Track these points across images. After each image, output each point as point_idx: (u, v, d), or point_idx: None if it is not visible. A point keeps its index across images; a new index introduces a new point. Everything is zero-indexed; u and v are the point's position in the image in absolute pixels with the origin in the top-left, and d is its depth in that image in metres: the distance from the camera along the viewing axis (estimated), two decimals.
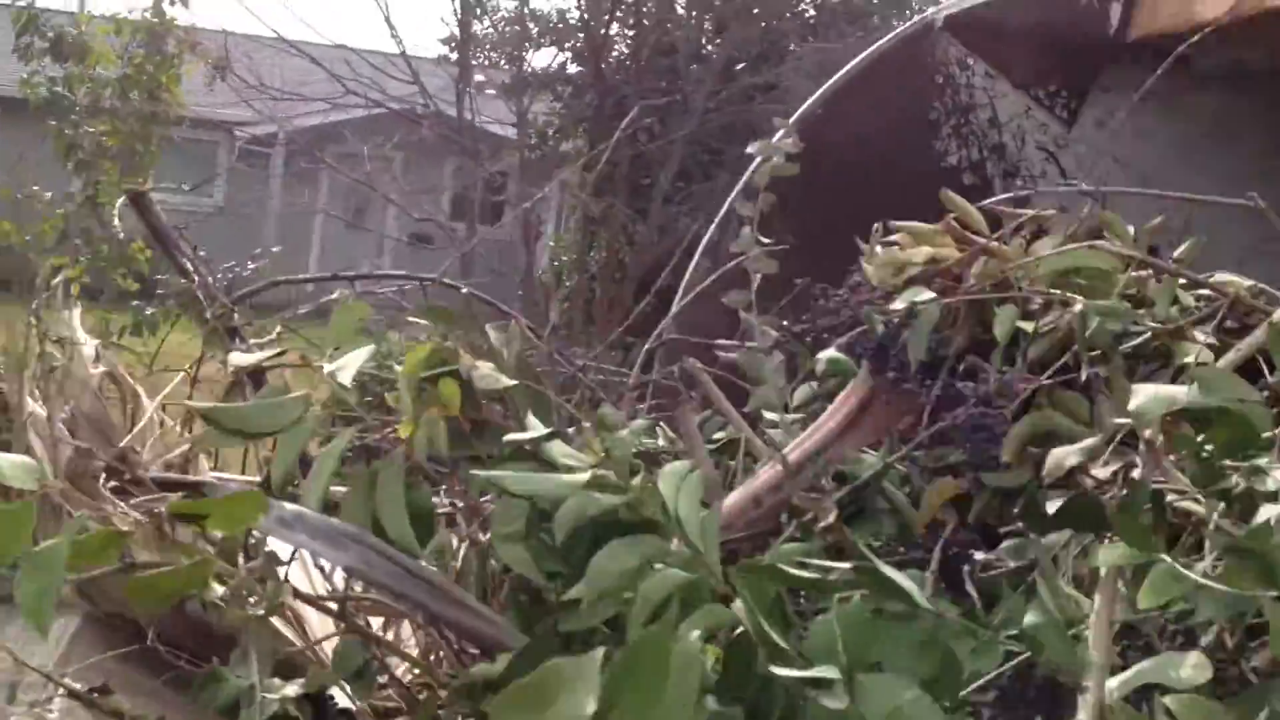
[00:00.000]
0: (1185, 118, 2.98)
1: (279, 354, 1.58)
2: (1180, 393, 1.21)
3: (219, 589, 1.37)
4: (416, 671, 1.47)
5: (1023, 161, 2.96)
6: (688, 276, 2.82)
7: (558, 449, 1.36)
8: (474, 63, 12.70)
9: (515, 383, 1.51)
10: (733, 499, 1.58)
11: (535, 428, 1.40)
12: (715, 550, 1.22)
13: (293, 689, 1.26)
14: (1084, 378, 1.49)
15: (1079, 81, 2.98)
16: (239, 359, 1.59)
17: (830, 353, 1.79)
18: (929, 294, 1.65)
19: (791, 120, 2.90)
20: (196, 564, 1.30)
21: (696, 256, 2.90)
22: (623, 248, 11.64)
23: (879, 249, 1.82)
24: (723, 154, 10.84)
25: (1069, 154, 2.97)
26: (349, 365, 1.50)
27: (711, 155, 11.25)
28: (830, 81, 2.90)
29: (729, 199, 2.87)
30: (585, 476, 1.30)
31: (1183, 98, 2.98)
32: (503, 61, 13.40)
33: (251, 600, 1.35)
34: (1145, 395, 1.21)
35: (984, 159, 2.95)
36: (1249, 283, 1.61)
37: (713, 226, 2.91)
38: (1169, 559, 1.05)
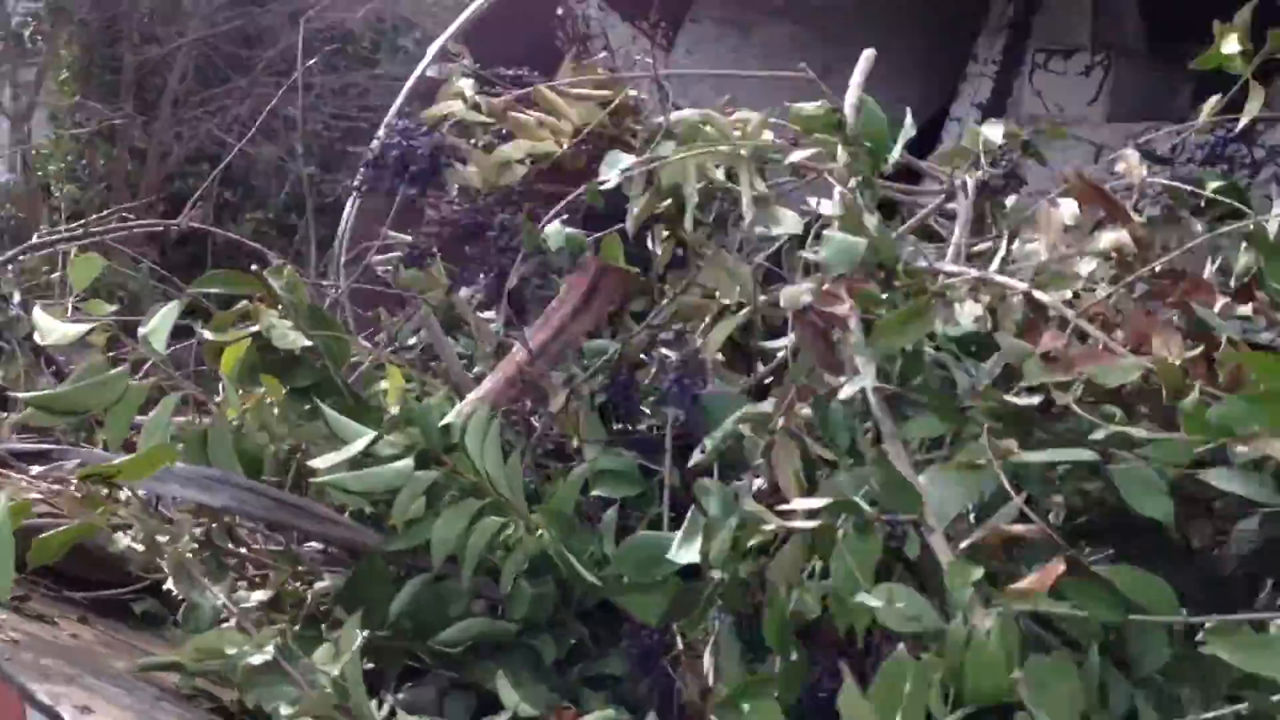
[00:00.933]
0: (759, 44, 3.51)
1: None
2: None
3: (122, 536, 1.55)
4: None
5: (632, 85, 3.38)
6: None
7: (381, 446, 1.58)
8: None
9: (310, 344, 1.72)
10: (489, 385, 1.88)
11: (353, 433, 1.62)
12: (520, 494, 1.54)
13: (260, 595, 1.48)
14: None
15: (674, 13, 3.43)
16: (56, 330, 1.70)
17: (556, 227, 1.96)
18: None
19: (430, 54, 3.16)
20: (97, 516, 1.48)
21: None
22: (111, 153, 11.10)
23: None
24: (240, 57, 10.58)
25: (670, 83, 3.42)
26: (159, 331, 1.67)
27: (226, 59, 10.90)
28: (466, 13, 3.17)
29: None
30: (410, 463, 1.55)
31: (758, 27, 3.52)
32: None
33: (164, 540, 1.54)
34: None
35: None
36: None
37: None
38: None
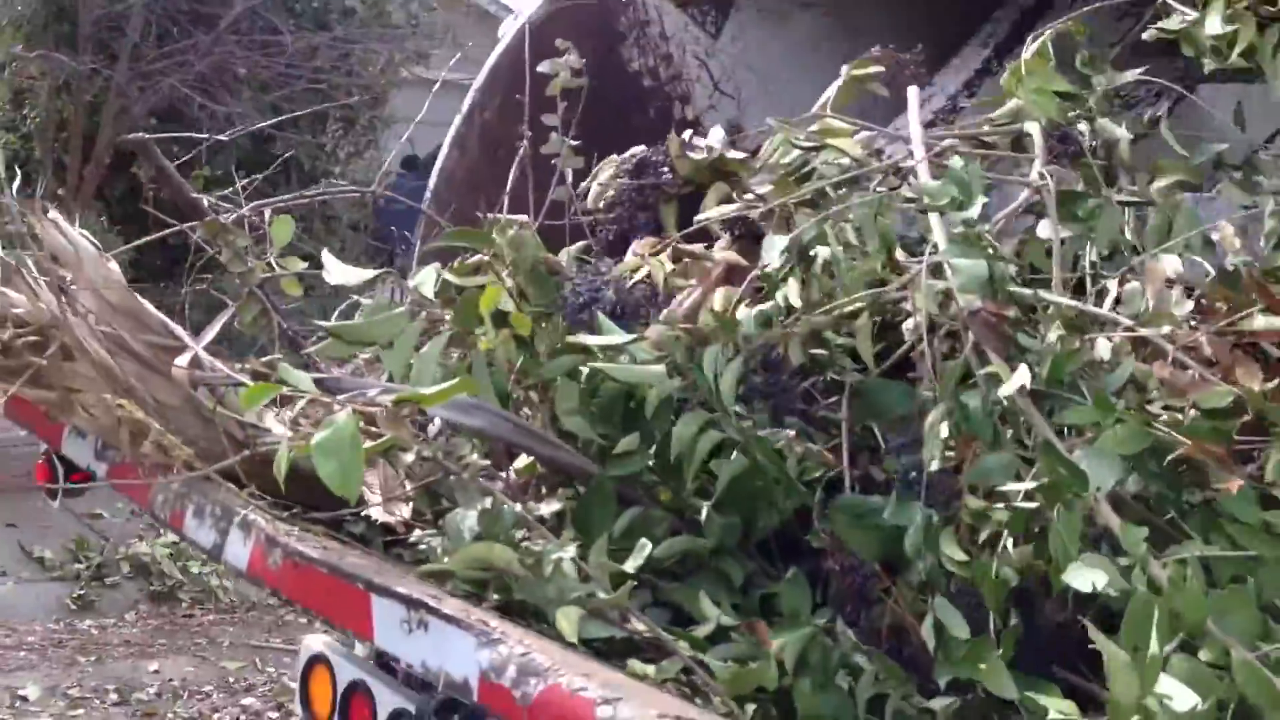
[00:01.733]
0: (793, 31, 3.83)
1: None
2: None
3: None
4: None
5: (684, 68, 3.69)
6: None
7: (636, 349, 1.92)
8: None
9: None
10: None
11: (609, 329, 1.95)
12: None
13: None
14: None
15: (724, 2, 3.74)
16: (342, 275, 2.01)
17: None
18: None
19: (512, 32, 3.45)
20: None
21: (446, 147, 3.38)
22: (65, 106, 11.09)
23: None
24: (200, 13, 10.62)
25: (715, 62, 3.73)
26: (427, 281, 1.98)
27: (188, 15, 10.93)
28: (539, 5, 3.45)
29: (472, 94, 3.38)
30: (662, 369, 1.89)
31: (790, 16, 3.84)
32: None
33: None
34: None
35: (656, 65, 3.65)
36: None
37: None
38: None
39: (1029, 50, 2.32)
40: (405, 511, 2.10)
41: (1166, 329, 1.81)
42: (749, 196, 2.46)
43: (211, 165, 10.32)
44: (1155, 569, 1.54)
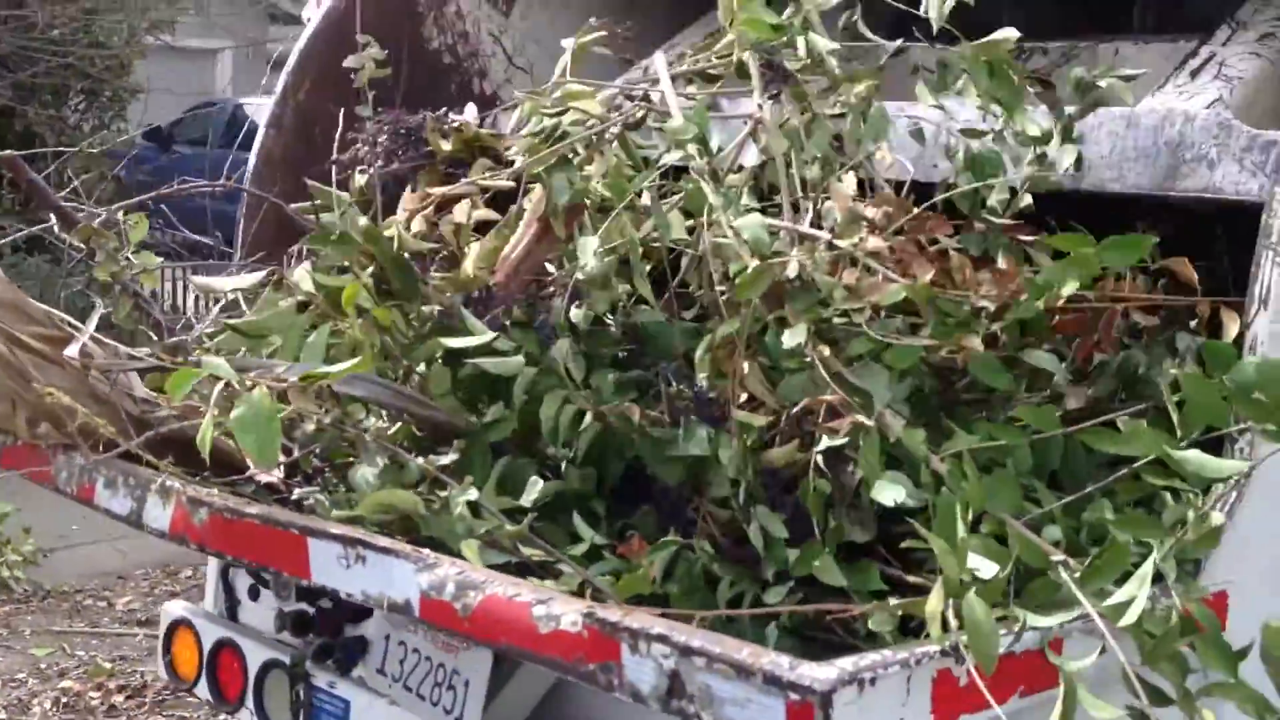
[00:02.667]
0: (573, 7, 4.11)
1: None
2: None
3: None
4: None
5: (480, 45, 3.93)
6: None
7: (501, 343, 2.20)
8: None
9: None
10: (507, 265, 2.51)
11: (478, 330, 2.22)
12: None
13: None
14: None
15: None
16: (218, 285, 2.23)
17: None
18: None
19: (318, 16, 3.62)
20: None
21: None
22: None
23: None
24: None
25: (508, 38, 3.99)
26: (303, 279, 2.22)
27: None
28: None
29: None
30: (521, 360, 2.19)
31: None
32: None
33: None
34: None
35: (455, 43, 3.88)
36: None
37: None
38: None
39: None
40: (279, 474, 2.33)
41: (856, 239, 2.03)
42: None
43: None
44: (935, 463, 1.91)
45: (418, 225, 2.69)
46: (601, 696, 2.58)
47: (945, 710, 1.49)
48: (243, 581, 3.25)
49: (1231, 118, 2.26)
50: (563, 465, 2.18)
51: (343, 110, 3.20)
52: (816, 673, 1.37)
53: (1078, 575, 1.57)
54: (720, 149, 2.29)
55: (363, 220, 2.44)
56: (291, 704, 2.86)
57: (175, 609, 3.24)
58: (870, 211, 2.16)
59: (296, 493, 2.23)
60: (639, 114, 2.60)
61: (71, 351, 2.23)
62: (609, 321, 2.42)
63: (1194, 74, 2.59)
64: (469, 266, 2.51)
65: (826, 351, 1.95)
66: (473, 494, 1.94)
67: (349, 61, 3.20)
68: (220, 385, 1.89)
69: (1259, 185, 2.15)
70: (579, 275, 2.29)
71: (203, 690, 3.12)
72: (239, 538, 1.97)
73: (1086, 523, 1.86)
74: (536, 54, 4.10)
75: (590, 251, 2.23)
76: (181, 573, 6.73)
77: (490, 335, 2.13)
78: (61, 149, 9.90)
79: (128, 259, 2.55)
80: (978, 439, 1.92)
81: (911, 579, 1.86)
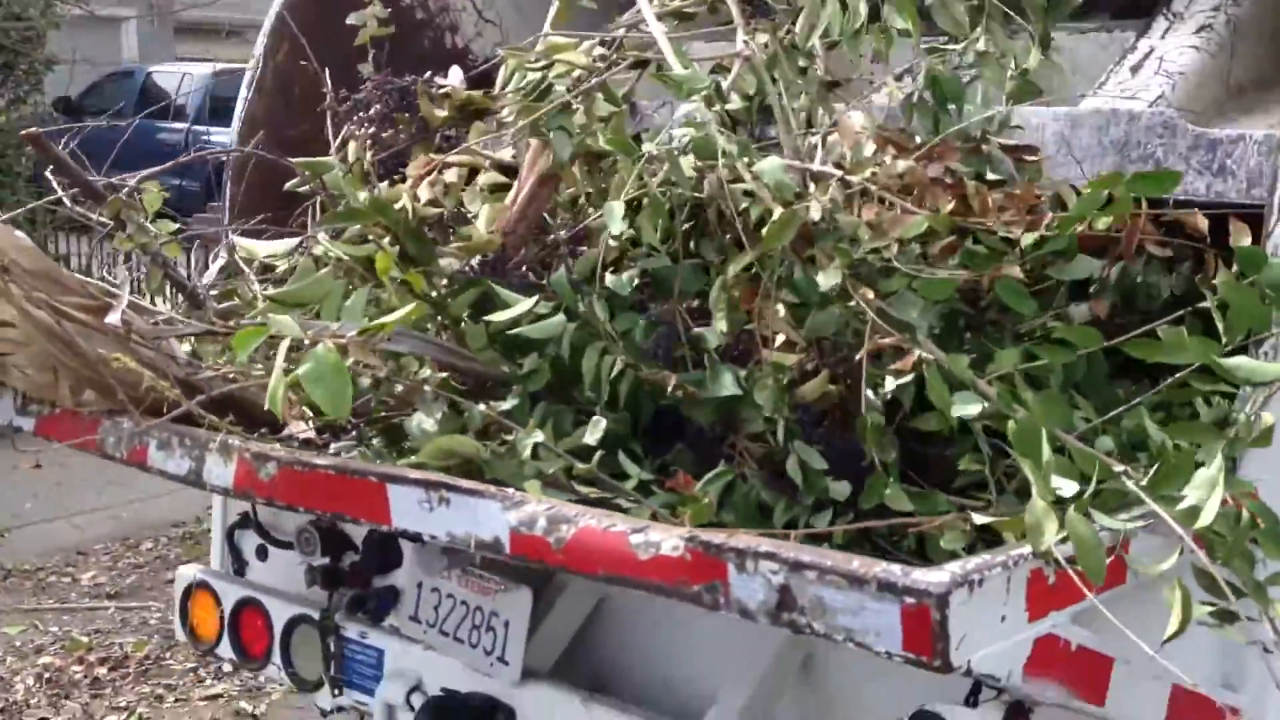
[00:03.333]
0: None
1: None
2: None
3: None
4: None
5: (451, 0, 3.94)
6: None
7: (541, 308, 2.22)
8: None
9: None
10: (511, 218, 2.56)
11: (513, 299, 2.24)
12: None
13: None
14: None
15: None
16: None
17: None
18: None
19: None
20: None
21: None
22: None
23: None
24: None
25: None
26: (335, 249, 2.25)
27: None
28: None
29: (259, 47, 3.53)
30: (562, 319, 2.20)
31: None
32: None
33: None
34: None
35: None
36: None
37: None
38: None
39: None
40: (311, 427, 2.36)
41: (869, 172, 2.09)
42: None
43: None
44: (983, 386, 2.02)
45: (425, 193, 2.70)
46: (634, 624, 2.69)
47: (1038, 607, 1.59)
48: (249, 543, 3.27)
49: (1176, 116, 2.33)
50: (597, 409, 2.24)
51: (326, 71, 3.20)
52: (930, 576, 1.45)
53: (1144, 483, 1.66)
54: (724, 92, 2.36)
55: (362, 194, 2.48)
56: (323, 657, 2.91)
57: (191, 572, 3.26)
58: (878, 144, 2.24)
59: (332, 447, 2.27)
60: (630, 61, 2.66)
61: (113, 318, 2.24)
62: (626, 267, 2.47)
63: (1134, 69, 2.60)
64: (481, 229, 2.55)
65: (866, 292, 2.01)
66: (539, 436, 1.99)
67: (351, 19, 3.20)
68: (285, 344, 1.92)
69: (1205, 185, 2.24)
70: (609, 241, 2.30)
71: (225, 650, 3.15)
72: (312, 489, 2.01)
73: (1126, 430, 1.97)
74: (504, 6, 4.12)
75: (618, 218, 2.23)
76: (142, 544, 6.71)
77: (529, 302, 2.17)
78: None
79: (149, 228, 2.56)
80: (1015, 359, 2.02)
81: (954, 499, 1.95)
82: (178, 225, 2.61)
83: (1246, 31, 2.64)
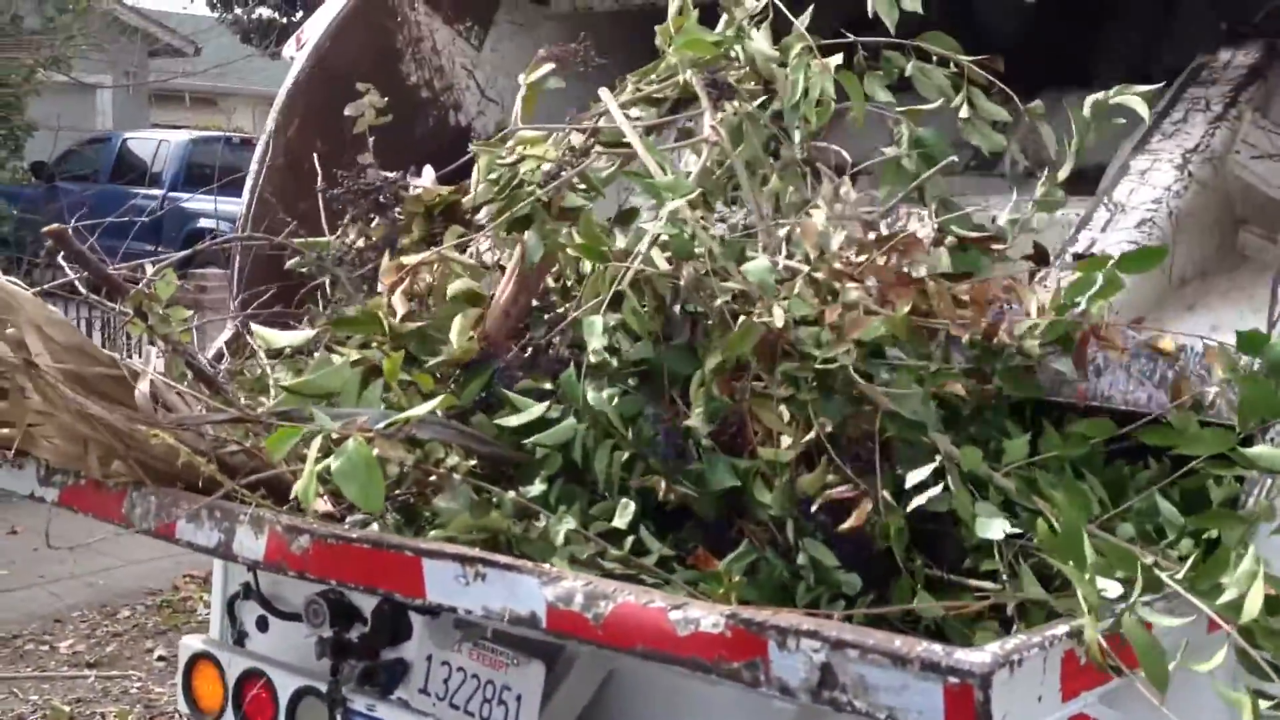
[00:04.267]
0: (539, 39, 4.23)
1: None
2: None
3: None
4: None
5: (455, 79, 4.02)
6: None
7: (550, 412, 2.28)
8: None
9: None
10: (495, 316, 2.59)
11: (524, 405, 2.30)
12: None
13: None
14: None
15: (483, 17, 4.10)
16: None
17: None
18: None
19: (302, 57, 3.67)
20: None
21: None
22: None
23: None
24: None
25: (481, 72, 4.09)
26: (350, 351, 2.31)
27: None
28: (327, 22, 3.69)
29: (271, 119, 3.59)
30: (572, 422, 2.26)
31: (538, 25, 4.24)
32: None
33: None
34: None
35: (431, 78, 3.97)
36: None
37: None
38: None
39: (672, 7, 2.65)
40: (328, 503, 2.39)
41: (835, 266, 2.11)
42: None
43: None
44: (999, 479, 2.05)
45: (400, 304, 2.65)
46: (644, 696, 2.71)
47: (1071, 686, 1.63)
48: (250, 613, 3.28)
49: (1115, 320, 2.21)
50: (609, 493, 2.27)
51: (317, 158, 3.26)
52: (973, 657, 1.50)
53: (1180, 576, 1.72)
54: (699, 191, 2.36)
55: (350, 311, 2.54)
56: None
57: (194, 643, 3.25)
58: (841, 240, 2.25)
59: (348, 520, 2.30)
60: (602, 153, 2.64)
61: (142, 391, 2.28)
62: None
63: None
64: (455, 341, 2.51)
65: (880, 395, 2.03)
66: (570, 523, 2.04)
67: (348, 110, 3.26)
68: (316, 441, 1.96)
69: (1147, 396, 2.15)
70: (590, 358, 2.27)
71: None
72: (346, 562, 2.03)
73: (1137, 512, 2.03)
74: (506, 86, 4.21)
75: (598, 333, 2.22)
76: (119, 612, 6.65)
77: (541, 408, 2.23)
78: None
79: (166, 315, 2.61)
80: (1024, 451, 2.07)
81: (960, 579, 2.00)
82: (192, 313, 2.65)
83: (1188, 224, 2.60)
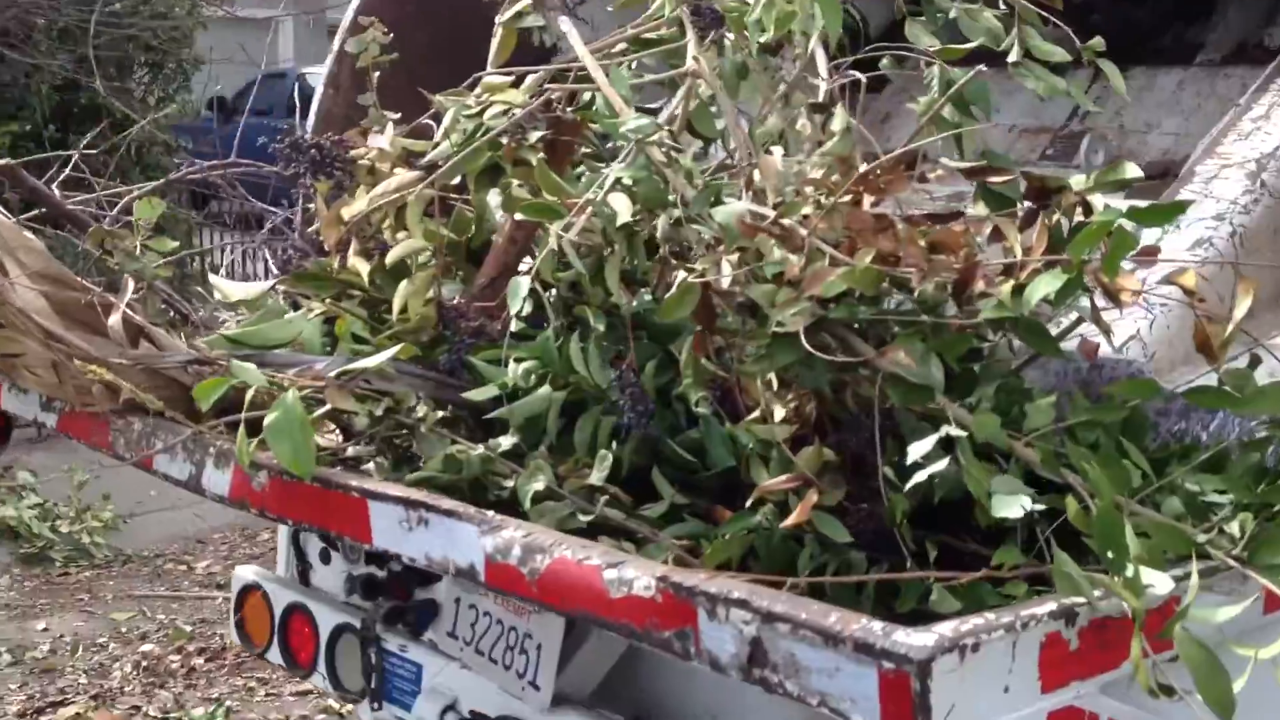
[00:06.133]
0: None
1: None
2: None
3: None
4: None
5: None
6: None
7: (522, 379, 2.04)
8: None
9: None
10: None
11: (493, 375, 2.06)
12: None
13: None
14: None
15: None
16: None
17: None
18: None
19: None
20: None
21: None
22: None
23: None
24: None
25: None
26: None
27: None
28: None
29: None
30: (548, 390, 1.99)
31: None
32: None
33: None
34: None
35: None
36: None
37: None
38: None
39: None
40: (338, 436, 2.24)
41: (801, 214, 1.77)
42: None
43: (19, 120, 9.95)
44: (1021, 450, 1.68)
45: (362, 266, 2.35)
46: (676, 663, 2.50)
47: (1054, 676, 1.37)
48: (314, 545, 3.20)
49: (1145, 366, 1.89)
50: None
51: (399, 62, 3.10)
52: (913, 639, 1.26)
53: (1236, 552, 1.45)
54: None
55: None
56: (363, 668, 2.81)
57: (246, 574, 3.20)
58: (813, 179, 1.87)
59: (351, 450, 2.15)
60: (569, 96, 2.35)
61: (114, 323, 2.17)
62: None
63: None
64: (413, 312, 2.21)
65: (893, 354, 1.71)
66: (540, 483, 1.83)
67: (349, 46, 3.06)
68: (249, 396, 1.82)
69: None
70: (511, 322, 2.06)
71: (275, 655, 3.08)
72: (299, 501, 1.90)
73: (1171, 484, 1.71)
74: (596, 5, 3.99)
75: (520, 296, 1.97)
76: (260, 535, 6.77)
77: (502, 377, 2.01)
78: (126, 121, 9.98)
79: (145, 247, 2.48)
80: (1049, 415, 1.75)
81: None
82: (175, 245, 2.52)
83: (1256, 243, 2.11)
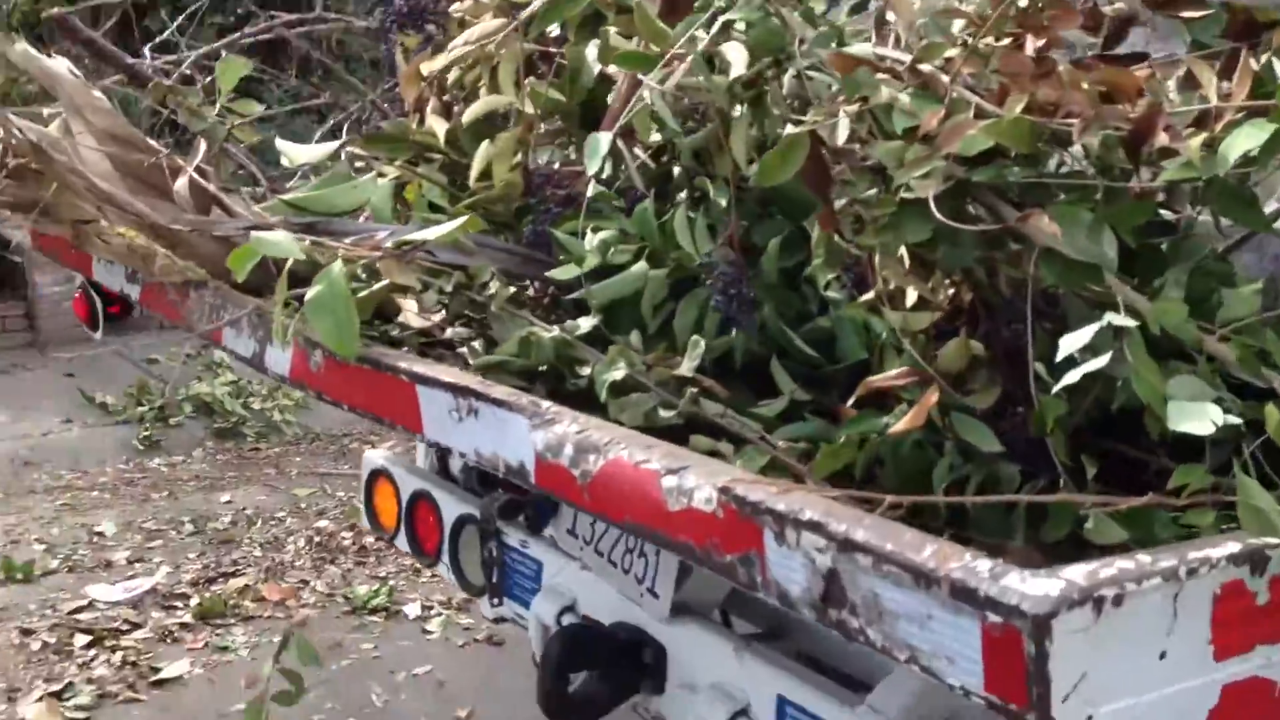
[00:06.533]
0: None
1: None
2: None
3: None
4: None
5: None
6: None
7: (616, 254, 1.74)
8: None
9: None
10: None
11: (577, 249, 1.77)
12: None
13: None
14: None
15: None
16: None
17: None
18: None
19: None
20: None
21: None
22: None
23: None
24: None
25: None
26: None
27: None
28: None
29: None
30: (645, 265, 1.71)
31: None
32: None
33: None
34: None
35: None
36: None
37: None
38: None
39: None
40: (436, 317, 2.00)
41: (940, 60, 1.44)
42: None
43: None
44: (1212, 345, 1.33)
45: (439, 127, 2.08)
46: None
47: (1233, 639, 1.02)
48: None
49: None
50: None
51: None
52: (1028, 585, 0.93)
53: None
54: None
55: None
56: (484, 562, 2.62)
57: (375, 458, 3.05)
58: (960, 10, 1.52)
59: (449, 332, 1.91)
60: None
61: (179, 187, 1.97)
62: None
63: None
64: (497, 177, 1.95)
65: (1040, 219, 1.35)
66: (619, 373, 1.54)
67: None
68: (285, 271, 1.59)
69: None
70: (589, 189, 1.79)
71: (402, 542, 2.93)
72: (353, 385, 1.67)
73: None
74: None
75: (600, 155, 1.67)
76: None
77: (594, 253, 1.72)
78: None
79: (226, 109, 2.26)
80: (1253, 304, 1.35)
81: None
82: (261, 107, 2.29)
83: None
